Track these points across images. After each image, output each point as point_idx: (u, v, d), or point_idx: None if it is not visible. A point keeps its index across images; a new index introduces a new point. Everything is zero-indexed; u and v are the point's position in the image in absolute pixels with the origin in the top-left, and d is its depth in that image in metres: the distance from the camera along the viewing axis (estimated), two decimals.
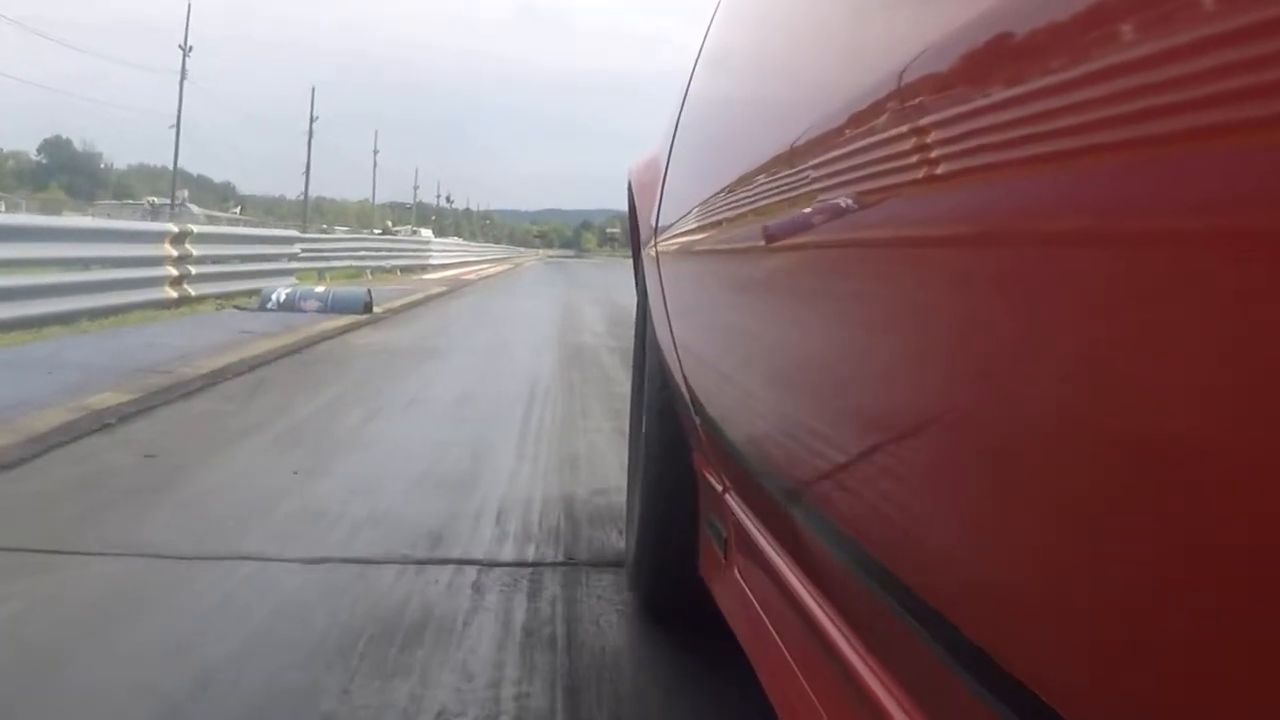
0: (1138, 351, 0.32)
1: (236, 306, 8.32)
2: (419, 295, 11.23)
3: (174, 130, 37.06)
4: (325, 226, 38.34)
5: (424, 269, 21.64)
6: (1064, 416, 0.36)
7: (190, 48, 39.34)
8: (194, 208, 47.38)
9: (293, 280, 10.99)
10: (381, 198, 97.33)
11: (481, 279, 19.71)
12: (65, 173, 77.44)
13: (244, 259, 9.83)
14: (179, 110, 37.95)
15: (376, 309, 8.46)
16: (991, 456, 0.43)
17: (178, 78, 37.76)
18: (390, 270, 18.94)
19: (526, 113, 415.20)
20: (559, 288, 17.33)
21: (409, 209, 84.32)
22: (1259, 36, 0.26)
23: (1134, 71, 0.30)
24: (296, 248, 11.41)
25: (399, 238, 22.77)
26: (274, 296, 7.94)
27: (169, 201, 47.53)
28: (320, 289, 8.33)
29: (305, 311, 7.79)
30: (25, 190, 57.47)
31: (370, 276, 17.14)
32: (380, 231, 24.75)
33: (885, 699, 0.59)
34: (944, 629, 0.49)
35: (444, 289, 13.53)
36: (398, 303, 9.66)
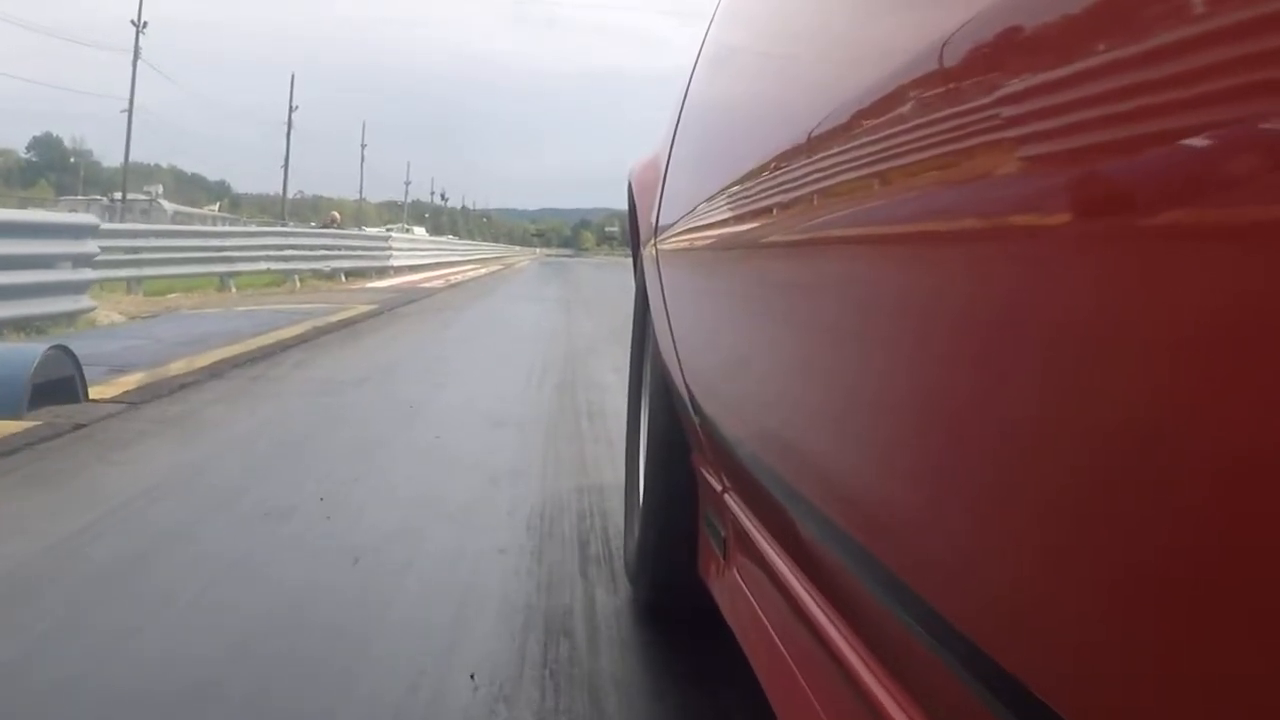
0: (1135, 354, 0.31)
1: None
2: (304, 327, 6.36)
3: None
4: (314, 223, 34.14)
5: (381, 272, 16.92)
6: (1063, 416, 0.36)
7: (145, 24, 35.47)
8: (165, 203, 42.77)
9: (83, 300, 6.27)
10: (379, 197, 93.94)
11: (449, 287, 14.86)
12: (54, 171, 74.87)
13: None
14: (131, 91, 34.47)
15: (127, 382, 3.75)
16: (991, 456, 0.42)
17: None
18: (331, 274, 14.26)
19: (524, 112, 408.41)
20: (552, 306, 11.03)
21: (402, 206, 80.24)
22: (1256, 34, 0.25)
23: (1137, 69, 0.30)
24: (92, 245, 6.60)
25: (347, 233, 17.82)
26: None
27: (143, 196, 43.44)
28: None
29: None
30: (16, 189, 53.98)
31: (299, 284, 12.41)
32: (323, 224, 19.94)
33: (884, 699, 0.58)
34: (943, 629, 0.48)
35: (371, 308, 8.66)
36: (212, 358, 4.66)
